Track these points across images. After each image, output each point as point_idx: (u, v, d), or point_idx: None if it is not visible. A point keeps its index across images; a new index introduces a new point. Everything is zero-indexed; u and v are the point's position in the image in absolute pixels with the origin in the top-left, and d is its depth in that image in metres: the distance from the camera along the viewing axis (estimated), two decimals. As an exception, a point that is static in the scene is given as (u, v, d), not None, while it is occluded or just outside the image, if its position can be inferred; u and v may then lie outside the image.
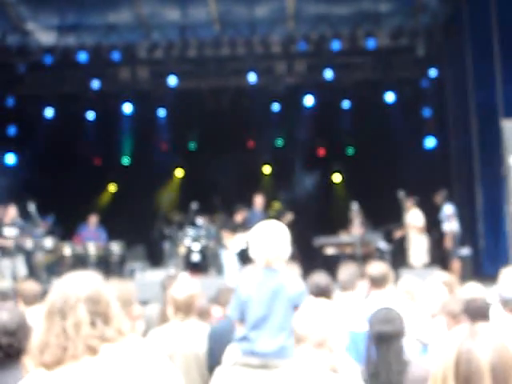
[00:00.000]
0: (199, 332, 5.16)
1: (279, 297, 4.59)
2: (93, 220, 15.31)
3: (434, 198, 13.79)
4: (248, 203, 14.04)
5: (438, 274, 6.95)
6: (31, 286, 7.03)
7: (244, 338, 4.58)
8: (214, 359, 4.99)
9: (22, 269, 13.21)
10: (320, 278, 5.74)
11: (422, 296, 6.06)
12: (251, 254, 4.84)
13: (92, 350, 2.54)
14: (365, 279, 6.06)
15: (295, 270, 6.66)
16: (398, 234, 13.92)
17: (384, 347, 4.13)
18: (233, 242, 13.46)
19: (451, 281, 6.71)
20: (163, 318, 5.90)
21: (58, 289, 2.66)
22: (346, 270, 6.19)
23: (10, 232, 13.25)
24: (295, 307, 4.56)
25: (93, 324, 2.56)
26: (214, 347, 5.04)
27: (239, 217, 13.78)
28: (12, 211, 13.35)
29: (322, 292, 5.49)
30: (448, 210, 13.48)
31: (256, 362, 4.47)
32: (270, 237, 4.72)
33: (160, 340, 5.09)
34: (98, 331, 2.55)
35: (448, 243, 13.33)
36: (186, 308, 5.15)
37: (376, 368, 4.08)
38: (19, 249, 13.29)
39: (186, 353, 5.10)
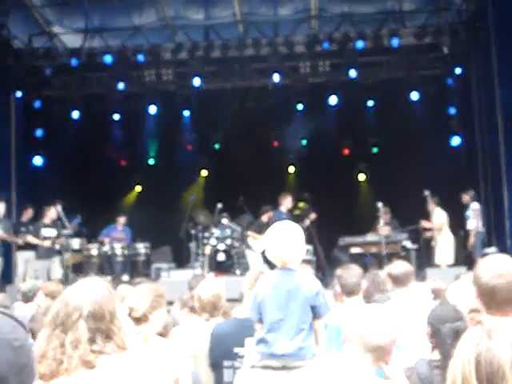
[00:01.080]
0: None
1: (296, 297, 4.59)
2: (121, 221, 15.45)
3: (462, 197, 13.73)
4: (273, 203, 14.05)
5: (467, 275, 6.89)
6: (53, 286, 7.08)
7: (261, 341, 4.57)
8: (214, 358, 5.02)
9: (57, 270, 13.38)
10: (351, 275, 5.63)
11: (450, 295, 6.03)
12: (267, 255, 4.86)
13: (88, 364, 2.57)
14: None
15: (309, 270, 6.64)
16: (427, 232, 13.84)
17: (456, 344, 4.10)
18: (258, 242, 13.49)
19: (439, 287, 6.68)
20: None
21: (63, 301, 2.68)
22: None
23: (50, 233, 13.43)
24: (312, 307, 4.58)
25: (92, 340, 2.58)
26: (216, 346, 5.07)
27: (265, 217, 13.81)
28: (53, 212, 13.51)
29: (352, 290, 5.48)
30: (475, 206, 13.43)
31: (276, 363, 4.48)
32: (285, 238, 4.73)
33: (184, 340, 5.13)
34: (97, 347, 2.58)
35: (471, 240, 13.27)
36: (211, 308, 5.19)
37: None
38: (56, 250, 13.48)
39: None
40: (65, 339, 2.58)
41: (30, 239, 13.37)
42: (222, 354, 4.86)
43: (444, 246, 13.49)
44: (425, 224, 13.83)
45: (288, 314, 4.54)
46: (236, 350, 4.95)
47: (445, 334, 4.13)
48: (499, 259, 3.34)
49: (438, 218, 13.58)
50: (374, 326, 3.22)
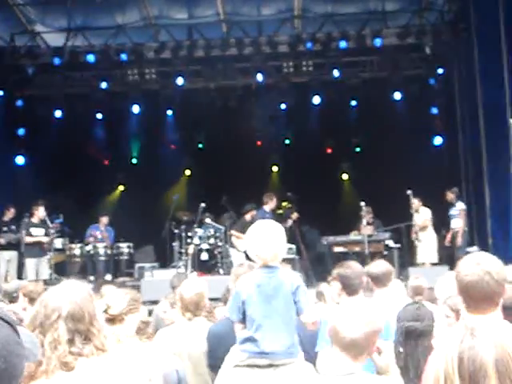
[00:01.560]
0: (206, 331, 5.18)
1: (279, 294, 4.59)
2: (104, 220, 15.37)
3: (446, 195, 13.78)
4: (256, 202, 14.06)
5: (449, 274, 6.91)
6: (32, 286, 7.01)
7: (248, 339, 4.55)
8: (214, 359, 5.01)
9: (45, 270, 13.28)
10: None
11: (431, 294, 6.05)
12: (249, 253, 4.86)
13: (66, 366, 2.56)
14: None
15: (289, 269, 6.63)
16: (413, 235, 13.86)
17: (412, 343, 4.15)
18: (241, 241, 13.50)
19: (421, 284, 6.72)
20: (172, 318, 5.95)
21: (43, 302, 2.67)
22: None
23: (38, 232, 13.31)
24: (295, 302, 4.59)
25: (71, 341, 2.56)
26: (214, 347, 5.06)
27: (249, 216, 13.81)
28: (41, 211, 13.38)
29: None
30: (461, 206, 13.50)
31: (265, 362, 4.48)
32: (265, 236, 4.74)
33: (168, 339, 5.13)
34: (76, 349, 2.56)
35: (458, 240, 13.33)
36: (194, 307, 5.18)
37: (405, 363, 4.10)
38: (44, 249, 13.36)
39: (193, 352, 5.13)
40: (43, 340, 2.57)
41: (26, 238, 13.17)
42: (221, 355, 4.85)
43: (427, 244, 13.54)
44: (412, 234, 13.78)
45: (273, 311, 4.54)
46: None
47: (396, 332, 4.19)
48: (477, 257, 3.37)
49: (423, 216, 13.64)
50: (347, 321, 3.20)
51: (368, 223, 13.75)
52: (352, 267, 5.45)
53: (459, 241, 13.35)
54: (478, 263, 3.25)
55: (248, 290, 4.64)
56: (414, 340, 4.16)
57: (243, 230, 13.53)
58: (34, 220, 13.39)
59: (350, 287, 5.29)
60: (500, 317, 3.22)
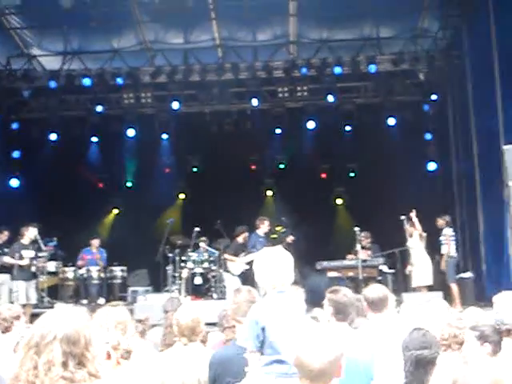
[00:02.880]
0: (202, 357, 5.16)
1: (296, 317, 4.65)
2: (95, 243, 15.31)
3: (436, 221, 13.82)
4: (250, 226, 14.06)
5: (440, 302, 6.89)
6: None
7: (275, 362, 4.52)
8: None
9: (33, 294, 13.11)
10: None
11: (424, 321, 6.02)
12: (258, 279, 4.88)
13: None
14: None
15: (300, 291, 6.66)
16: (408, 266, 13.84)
17: (422, 371, 4.11)
18: (235, 265, 13.47)
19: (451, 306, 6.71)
20: (166, 342, 5.93)
21: (39, 323, 2.68)
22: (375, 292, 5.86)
23: (28, 253, 13.11)
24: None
25: (65, 365, 2.56)
26: (219, 373, 5.02)
27: (241, 238, 13.80)
28: (31, 232, 13.23)
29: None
30: (447, 232, 13.52)
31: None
32: (276, 263, 4.78)
33: (163, 365, 5.11)
34: (69, 373, 2.56)
35: (442, 264, 13.36)
36: (189, 332, 5.17)
37: None
38: (33, 272, 13.17)
39: (188, 378, 5.10)
40: (38, 361, 2.56)
41: (6, 259, 13.05)
42: (227, 381, 4.82)
43: (422, 267, 13.53)
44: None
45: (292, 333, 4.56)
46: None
47: (406, 361, 4.16)
48: None
49: (416, 239, 13.66)
50: (311, 352, 3.19)
51: (364, 248, 13.76)
52: (343, 294, 5.46)
53: (443, 265, 13.37)
54: None
55: (266, 317, 4.64)
56: (423, 368, 4.12)
57: (236, 253, 13.57)
58: (25, 241, 13.20)
59: (340, 313, 5.31)
60: None
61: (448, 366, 4.15)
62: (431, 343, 4.19)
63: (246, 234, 13.78)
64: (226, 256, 13.72)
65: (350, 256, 14.07)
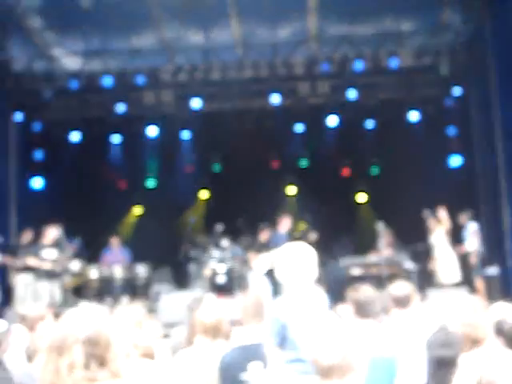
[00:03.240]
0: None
1: (318, 314, 4.59)
2: (115, 242, 15.38)
3: (459, 217, 13.71)
4: (273, 224, 14.02)
5: (465, 296, 6.81)
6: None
7: (297, 360, 4.51)
8: None
9: (58, 293, 13.22)
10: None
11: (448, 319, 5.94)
12: (281, 276, 4.83)
13: None
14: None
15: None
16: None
17: (443, 372, 4.03)
18: (258, 263, 13.43)
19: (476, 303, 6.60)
20: (190, 341, 5.89)
21: (61, 325, 2.67)
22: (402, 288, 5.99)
23: (50, 254, 13.24)
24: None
25: (87, 366, 2.55)
26: (226, 377, 4.99)
27: (263, 236, 13.76)
28: (52, 233, 13.36)
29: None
30: (472, 227, 13.41)
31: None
32: (300, 259, 4.73)
33: (187, 363, 5.08)
34: (91, 373, 2.54)
35: (472, 260, 13.25)
36: (213, 331, 5.14)
37: None
38: (57, 273, 13.29)
39: (211, 376, 5.07)
40: (60, 363, 2.55)
41: (30, 261, 13.18)
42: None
43: (448, 263, 13.43)
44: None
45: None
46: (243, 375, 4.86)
47: (429, 360, 4.08)
48: None
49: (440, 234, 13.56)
50: (320, 345, 3.17)
51: (387, 245, 13.68)
52: (365, 292, 5.45)
53: (473, 261, 13.26)
54: None
55: (288, 314, 4.60)
56: (444, 368, 4.03)
57: (259, 251, 13.53)
58: (46, 242, 13.35)
59: (361, 311, 5.29)
60: None
61: (472, 365, 4.08)
62: (453, 343, 4.11)
63: (268, 233, 13.75)
64: (249, 254, 13.70)
65: (373, 253, 13.99)
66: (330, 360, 3.11)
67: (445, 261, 13.47)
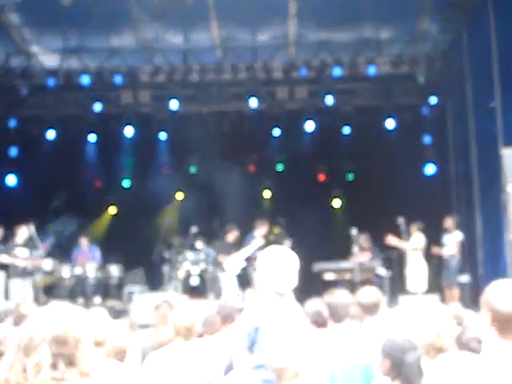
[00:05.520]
0: (199, 355, 5.13)
1: (292, 321, 4.57)
2: (84, 242, 15.30)
3: (445, 220, 13.78)
4: (248, 227, 14.02)
5: (444, 306, 6.86)
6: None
7: (262, 367, 4.46)
8: None
9: (30, 291, 13.13)
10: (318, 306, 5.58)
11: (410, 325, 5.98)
12: (259, 279, 4.81)
13: None
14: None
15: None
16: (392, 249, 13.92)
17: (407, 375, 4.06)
18: (230, 265, 13.42)
19: (459, 313, 6.67)
20: (160, 343, 5.89)
21: (28, 325, 2.65)
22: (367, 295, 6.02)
23: (22, 252, 13.16)
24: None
25: (54, 366, 2.53)
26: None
27: (231, 237, 13.74)
28: (24, 231, 13.28)
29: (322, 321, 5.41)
30: (457, 236, 13.50)
31: None
32: (280, 264, 4.70)
33: (157, 364, 5.07)
34: (59, 373, 2.53)
35: (452, 264, 13.36)
36: (186, 333, 5.14)
37: None
38: (29, 271, 13.20)
39: (185, 376, 5.07)
40: (27, 363, 2.53)
41: (3, 258, 13.09)
42: None
43: (417, 272, 13.51)
44: (391, 240, 13.71)
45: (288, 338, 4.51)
46: None
47: (409, 363, 4.08)
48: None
49: (415, 242, 13.62)
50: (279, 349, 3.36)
51: (362, 250, 13.73)
52: (339, 296, 5.47)
53: (452, 266, 13.35)
54: None
55: (262, 318, 4.57)
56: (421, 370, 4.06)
57: (229, 252, 13.50)
58: (18, 240, 13.28)
59: (336, 315, 5.30)
60: None
61: (436, 372, 4.12)
62: (415, 344, 4.15)
63: (236, 233, 13.75)
64: (221, 257, 13.64)
65: (349, 259, 14.04)
66: (281, 363, 3.35)
67: (414, 269, 13.56)
